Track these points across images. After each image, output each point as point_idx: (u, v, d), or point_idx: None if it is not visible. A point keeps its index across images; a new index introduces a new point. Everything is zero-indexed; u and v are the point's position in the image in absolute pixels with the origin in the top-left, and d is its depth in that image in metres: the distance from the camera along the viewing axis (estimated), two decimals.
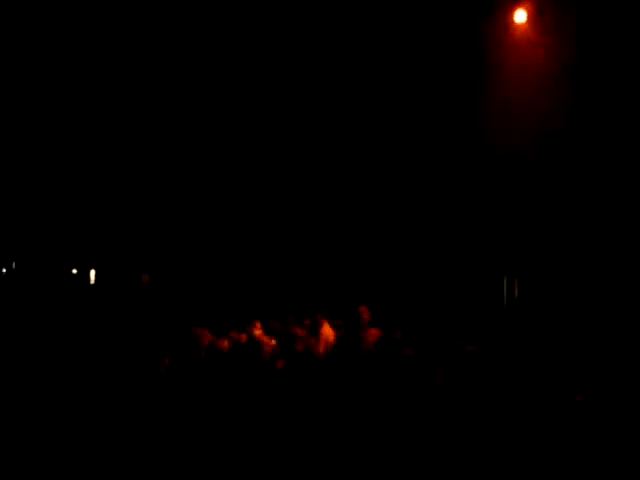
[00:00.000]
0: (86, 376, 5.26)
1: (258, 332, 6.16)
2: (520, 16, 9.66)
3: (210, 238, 13.39)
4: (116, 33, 11.20)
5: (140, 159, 13.18)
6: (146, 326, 8.60)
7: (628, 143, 9.54)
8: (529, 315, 10.60)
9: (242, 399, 4.75)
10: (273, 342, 5.82)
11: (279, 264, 12.77)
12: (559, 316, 9.83)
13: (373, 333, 5.77)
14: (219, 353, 5.64)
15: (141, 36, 11.28)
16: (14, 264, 15.53)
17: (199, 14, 11.03)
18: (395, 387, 4.75)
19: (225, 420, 4.57)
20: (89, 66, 11.73)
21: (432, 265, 11.74)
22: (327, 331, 6.56)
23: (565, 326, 9.12)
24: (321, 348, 6.13)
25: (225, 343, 5.98)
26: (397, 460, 4.28)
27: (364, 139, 11.88)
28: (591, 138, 9.91)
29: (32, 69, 11.76)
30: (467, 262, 11.47)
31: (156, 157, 13.07)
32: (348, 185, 12.24)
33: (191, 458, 4.19)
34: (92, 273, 15.23)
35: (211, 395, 4.62)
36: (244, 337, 6.02)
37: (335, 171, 12.22)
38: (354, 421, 4.51)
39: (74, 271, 15.28)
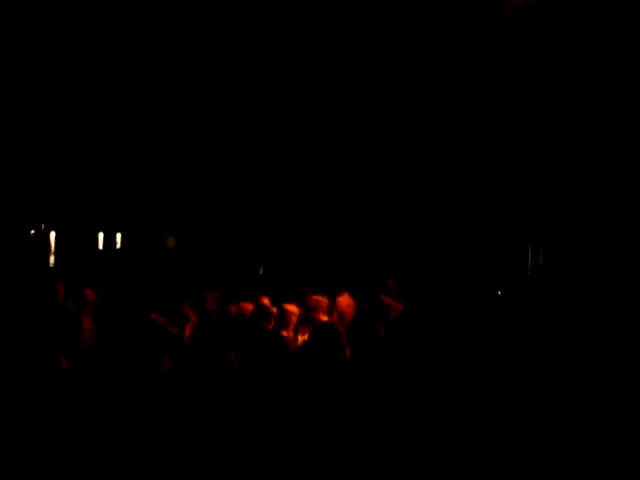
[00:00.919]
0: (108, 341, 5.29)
1: (266, 301, 6.20)
2: None
3: (238, 205, 13.45)
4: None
5: (170, 122, 13.22)
6: (170, 291, 8.67)
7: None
8: (553, 281, 10.56)
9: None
10: (297, 311, 5.86)
11: (305, 239, 12.84)
12: (583, 282, 9.77)
13: (396, 305, 5.81)
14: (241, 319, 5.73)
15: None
16: (43, 226, 15.73)
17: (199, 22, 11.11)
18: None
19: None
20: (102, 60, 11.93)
21: (459, 233, 11.71)
22: (345, 300, 6.59)
23: (588, 293, 9.07)
24: (335, 317, 6.16)
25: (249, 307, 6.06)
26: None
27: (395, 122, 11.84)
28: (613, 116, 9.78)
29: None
30: (493, 230, 11.42)
31: (185, 121, 13.11)
32: (373, 156, 12.22)
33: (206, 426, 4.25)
34: (118, 236, 15.39)
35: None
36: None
37: (356, 145, 12.20)
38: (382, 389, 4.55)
39: (101, 235, 15.45)
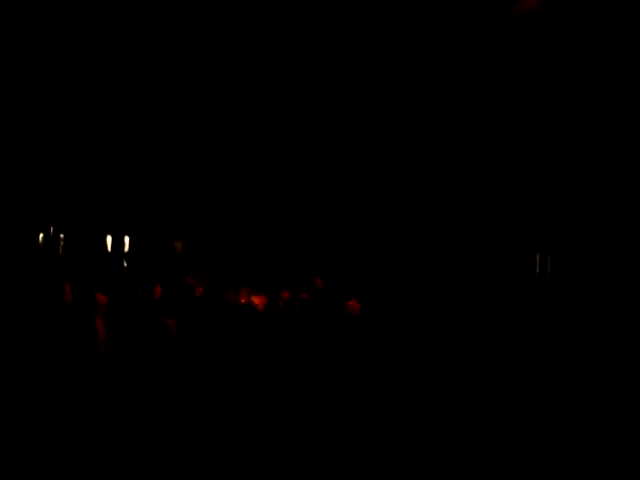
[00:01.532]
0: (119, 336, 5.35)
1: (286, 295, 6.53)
2: None
3: (245, 209, 13.50)
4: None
5: (178, 126, 13.28)
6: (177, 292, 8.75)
7: None
8: (561, 291, 10.54)
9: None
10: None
11: (311, 240, 12.89)
12: (590, 291, 9.76)
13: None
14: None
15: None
16: (52, 229, 15.81)
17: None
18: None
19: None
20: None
21: (466, 241, 11.71)
22: (354, 305, 6.88)
23: (596, 302, 9.06)
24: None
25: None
26: None
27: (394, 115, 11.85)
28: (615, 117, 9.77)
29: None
30: (501, 239, 11.41)
31: (194, 125, 13.16)
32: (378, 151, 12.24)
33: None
34: (127, 240, 15.46)
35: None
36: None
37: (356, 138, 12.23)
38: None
39: (109, 237, 15.51)
